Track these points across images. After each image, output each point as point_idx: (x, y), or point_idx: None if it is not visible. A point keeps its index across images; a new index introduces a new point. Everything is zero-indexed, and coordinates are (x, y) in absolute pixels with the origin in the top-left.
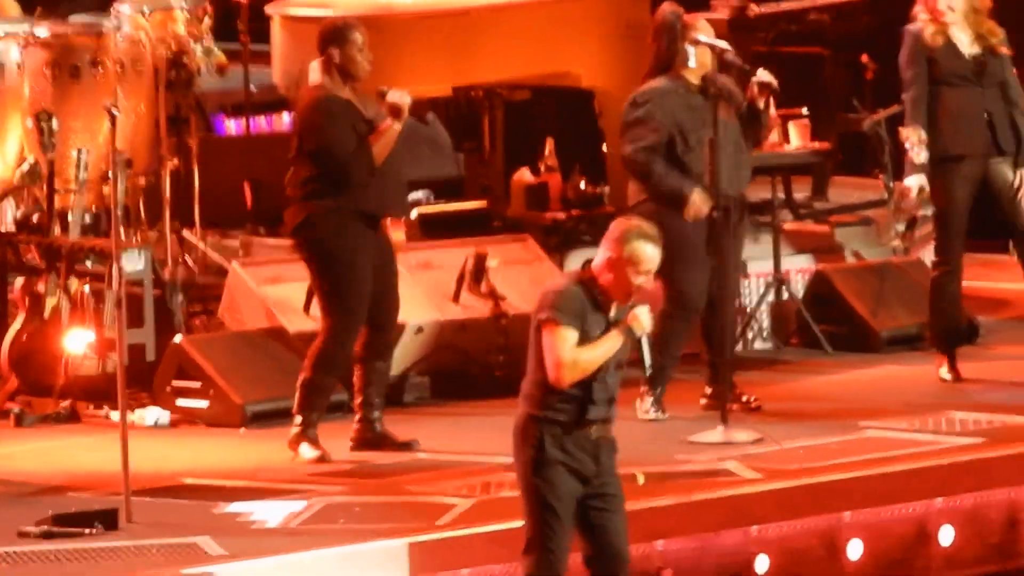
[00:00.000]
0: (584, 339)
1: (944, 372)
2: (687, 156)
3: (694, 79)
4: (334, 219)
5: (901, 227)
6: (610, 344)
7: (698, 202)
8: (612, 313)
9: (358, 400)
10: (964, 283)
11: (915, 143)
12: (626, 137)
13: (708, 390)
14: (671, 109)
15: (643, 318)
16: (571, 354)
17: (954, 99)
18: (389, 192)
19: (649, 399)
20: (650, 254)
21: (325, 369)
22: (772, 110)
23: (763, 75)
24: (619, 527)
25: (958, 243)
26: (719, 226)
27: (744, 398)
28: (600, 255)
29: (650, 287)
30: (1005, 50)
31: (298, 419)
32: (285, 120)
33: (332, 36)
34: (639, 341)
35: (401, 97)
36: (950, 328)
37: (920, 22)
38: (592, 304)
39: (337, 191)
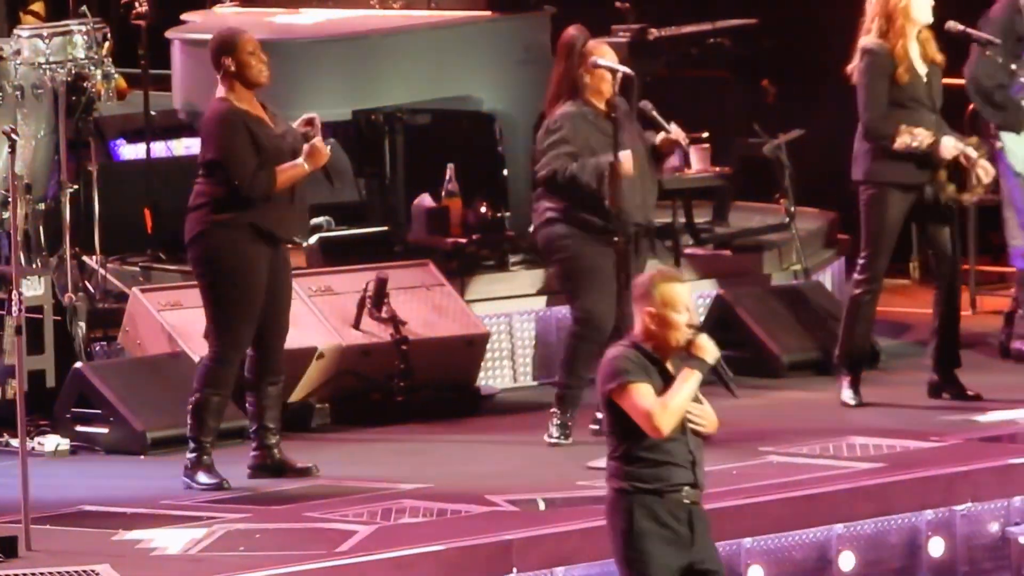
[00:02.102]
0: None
1: (846, 394)
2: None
3: (599, 103)
4: (226, 233)
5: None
6: (690, 381)
7: (626, 159)
8: (671, 367)
9: (254, 427)
10: None
11: (912, 139)
12: (543, 161)
13: (600, 415)
14: (583, 133)
15: (707, 345)
16: (657, 401)
17: (910, 123)
18: (290, 214)
19: (557, 423)
20: (680, 290)
21: (212, 387)
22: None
23: (675, 131)
24: None
25: (884, 265)
26: (624, 252)
27: None
28: (636, 322)
29: (697, 323)
30: (940, 58)
31: (192, 444)
32: (185, 145)
33: (222, 46)
34: (714, 371)
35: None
36: (860, 349)
37: (877, 41)
38: (651, 362)
39: (232, 205)
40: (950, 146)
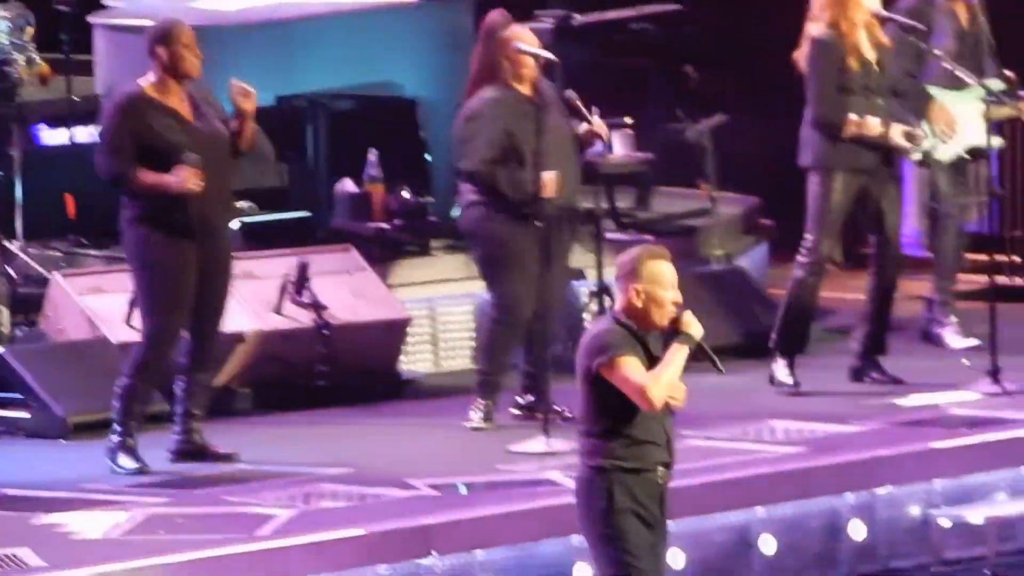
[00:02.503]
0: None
1: (784, 375)
2: (521, 165)
3: (521, 88)
4: (142, 225)
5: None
6: (679, 355)
7: (549, 181)
8: (651, 345)
9: (179, 411)
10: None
11: (861, 128)
12: (463, 151)
13: (520, 399)
14: (503, 120)
15: (693, 321)
16: (649, 375)
17: (857, 111)
18: (202, 207)
19: (480, 410)
20: (666, 267)
21: (143, 376)
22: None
23: (597, 123)
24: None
25: (830, 250)
26: (545, 235)
27: (557, 408)
28: (620, 296)
29: (680, 300)
30: (886, 41)
31: (117, 428)
32: None
33: (157, 35)
34: (699, 347)
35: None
36: (801, 332)
37: (828, 31)
38: (635, 339)
39: (141, 199)
40: (899, 133)
